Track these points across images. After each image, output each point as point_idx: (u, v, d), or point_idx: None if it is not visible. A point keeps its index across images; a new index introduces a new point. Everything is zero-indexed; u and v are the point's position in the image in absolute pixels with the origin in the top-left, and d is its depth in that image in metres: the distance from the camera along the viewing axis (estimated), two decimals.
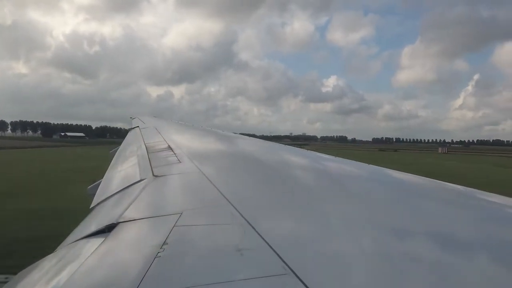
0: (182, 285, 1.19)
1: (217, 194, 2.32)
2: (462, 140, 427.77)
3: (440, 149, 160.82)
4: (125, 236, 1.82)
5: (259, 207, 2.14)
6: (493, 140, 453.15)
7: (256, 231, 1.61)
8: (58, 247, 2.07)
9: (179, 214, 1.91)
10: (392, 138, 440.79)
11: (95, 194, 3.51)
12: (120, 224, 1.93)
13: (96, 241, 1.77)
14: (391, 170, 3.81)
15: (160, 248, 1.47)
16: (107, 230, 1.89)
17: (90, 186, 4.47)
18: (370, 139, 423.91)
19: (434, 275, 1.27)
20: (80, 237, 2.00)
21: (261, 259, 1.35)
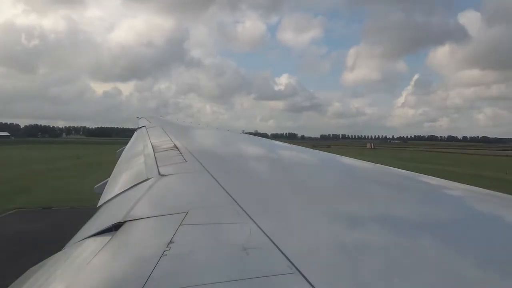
0: (188, 283, 1.19)
1: (223, 193, 2.33)
2: (402, 136, 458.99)
3: (368, 145, 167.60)
4: (132, 234, 1.83)
5: (265, 206, 2.14)
6: (428, 135, 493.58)
7: (262, 230, 1.61)
8: (66, 245, 2.09)
9: (185, 213, 1.92)
10: (339, 135, 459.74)
11: (102, 193, 3.54)
12: (127, 223, 1.94)
13: (103, 239, 1.79)
14: (402, 170, 3.77)
15: (166, 247, 1.48)
16: (113, 228, 1.90)
17: (97, 185, 4.52)
18: (319, 136, 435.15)
19: (438, 275, 1.26)
20: (87, 235, 2.02)
21: (267, 258, 1.35)
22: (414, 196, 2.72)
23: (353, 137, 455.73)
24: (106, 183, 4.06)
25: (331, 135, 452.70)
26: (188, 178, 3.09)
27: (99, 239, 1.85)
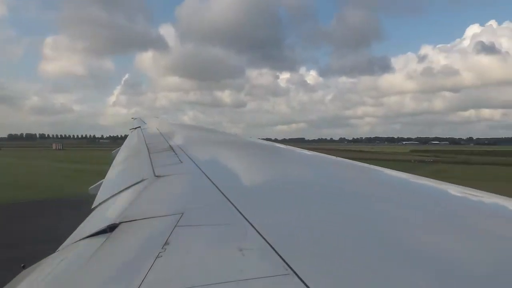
0: (183, 285, 1.19)
1: (219, 194, 2.33)
2: (112, 135, 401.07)
3: (54, 145, 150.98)
4: (127, 236, 1.82)
5: (261, 207, 2.14)
6: None
7: (258, 231, 1.61)
8: (60, 247, 2.08)
9: (181, 214, 1.92)
10: (36, 134, 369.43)
11: (97, 194, 3.52)
12: (122, 224, 1.93)
13: (98, 241, 1.78)
14: (399, 172, 3.77)
15: (162, 249, 1.48)
16: (108, 230, 1.90)
17: (92, 186, 4.50)
18: (6, 135, 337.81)
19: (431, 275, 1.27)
20: (82, 237, 2.01)
21: (263, 259, 1.36)
22: (412, 195, 2.74)
23: (57, 136, 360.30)
24: (101, 184, 4.04)
25: (24, 135, 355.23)
26: (184, 179, 3.08)
27: (94, 240, 1.84)
